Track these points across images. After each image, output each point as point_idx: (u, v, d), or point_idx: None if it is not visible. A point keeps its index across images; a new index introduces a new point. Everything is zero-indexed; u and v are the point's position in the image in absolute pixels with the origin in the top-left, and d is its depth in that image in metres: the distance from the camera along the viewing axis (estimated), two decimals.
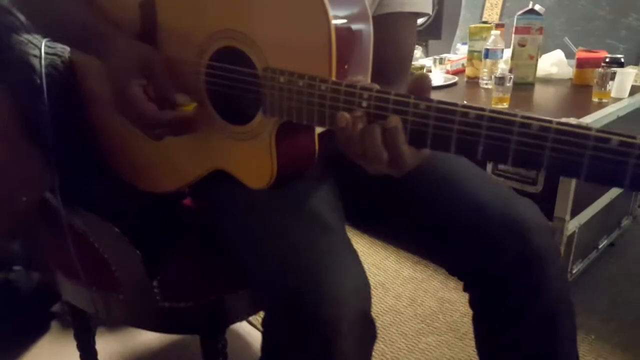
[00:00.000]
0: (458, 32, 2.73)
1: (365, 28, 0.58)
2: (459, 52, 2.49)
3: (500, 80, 1.31)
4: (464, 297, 0.75)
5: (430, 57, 1.95)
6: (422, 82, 0.47)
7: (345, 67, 0.55)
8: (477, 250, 0.67)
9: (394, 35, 0.81)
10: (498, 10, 2.61)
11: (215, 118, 0.66)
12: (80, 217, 0.74)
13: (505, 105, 1.33)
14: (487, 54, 1.59)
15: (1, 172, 0.71)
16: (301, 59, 0.55)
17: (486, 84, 1.62)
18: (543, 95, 1.60)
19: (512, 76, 1.32)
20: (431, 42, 2.92)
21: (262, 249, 0.62)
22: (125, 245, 0.71)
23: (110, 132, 0.78)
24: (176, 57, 0.65)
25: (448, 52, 2.60)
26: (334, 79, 0.53)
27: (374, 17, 0.80)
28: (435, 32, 2.83)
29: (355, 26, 0.56)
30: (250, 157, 0.63)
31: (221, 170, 0.67)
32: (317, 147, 0.64)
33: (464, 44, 2.56)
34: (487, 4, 2.65)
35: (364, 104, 0.49)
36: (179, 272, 0.75)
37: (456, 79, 1.73)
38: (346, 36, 0.54)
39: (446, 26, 2.89)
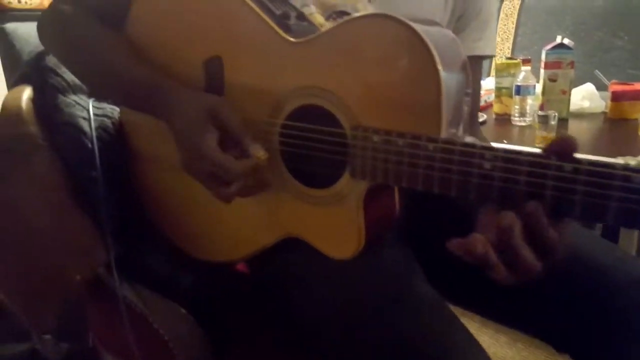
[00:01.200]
0: None
1: (465, 75, 0.54)
2: None
3: (544, 119, 1.27)
4: None
5: None
6: (566, 145, 0.40)
7: (450, 121, 0.50)
8: (597, 318, 0.59)
9: None
10: (509, 44, 2.61)
11: (288, 180, 0.60)
12: (139, 296, 0.67)
13: None
14: (519, 90, 1.56)
15: (50, 245, 0.65)
16: (400, 116, 0.50)
17: (519, 121, 1.58)
18: (583, 132, 1.55)
19: (556, 114, 1.28)
20: None
21: (358, 332, 0.55)
22: (191, 327, 0.64)
23: (165, 196, 0.73)
24: (246, 116, 0.60)
25: None
26: (442, 136, 0.48)
27: None
28: None
29: (458, 75, 0.51)
30: (333, 224, 0.57)
31: (294, 238, 0.61)
32: (398, 208, 0.58)
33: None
34: (498, 39, 2.66)
35: (487, 165, 0.43)
36: (247, 353, 0.68)
37: (485, 116, 1.69)
38: (452, 88, 0.49)
39: None
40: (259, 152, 0.56)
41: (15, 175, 0.66)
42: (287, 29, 0.58)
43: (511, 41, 2.55)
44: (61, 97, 0.73)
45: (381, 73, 0.51)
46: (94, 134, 0.71)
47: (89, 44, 0.67)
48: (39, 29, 0.72)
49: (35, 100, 0.73)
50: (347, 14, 0.69)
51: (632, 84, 1.60)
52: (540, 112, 1.29)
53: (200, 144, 0.55)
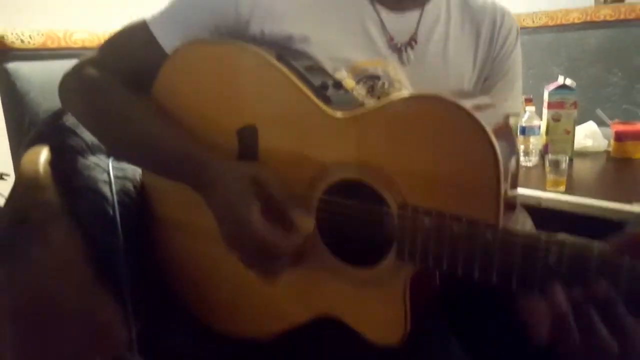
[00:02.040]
0: None
1: (515, 148, 0.52)
2: None
3: (556, 164, 1.27)
4: None
5: None
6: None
7: (507, 203, 0.48)
8: None
9: None
10: None
11: (325, 255, 0.58)
12: None
13: (562, 188, 1.28)
14: (524, 130, 1.56)
15: (69, 326, 0.61)
16: (452, 196, 0.48)
17: (525, 161, 1.58)
18: (588, 172, 1.56)
19: (566, 158, 1.28)
20: None
21: None
22: None
23: (189, 265, 0.69)
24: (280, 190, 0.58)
25: None
26: (500, 222, 0.46)
27: None
28: None
29: (511, 152, 0.50)
30: (375, 307, 0.55)
31: (329, 318, 0.59)
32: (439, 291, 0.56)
33: None
34: None
35: (552, 260, 0.42)
36: None
37: None
38: (508, 169, 0.48)
39: None
40: (306, 224, 0.54)
41: (32, 249, 0.62)
42: (327, 101, 0.57)
43: None
44: (80, 160, 0.70)
45: (433, 152, 0.49)
46: (116, 198, 0.68)
47: (118, 111, 0.65)
48: (60, 90, 0.70)
49: (53, 162, 0.70)
50: (378, 78, 0.68)
51: (634, 124, 1.62)
52: (550, 157, 1.29)
53: (246, 218, 0.52)
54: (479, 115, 0.46)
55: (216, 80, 0.62)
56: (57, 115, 0.73)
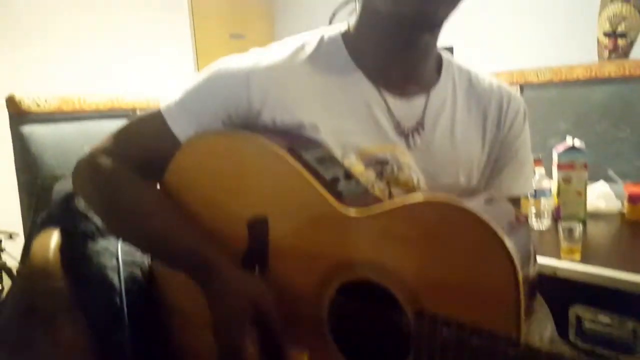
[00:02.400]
0: None
1: (533, 251, 0.51)
2: None
3: (570, 232, 1.25)
4: None
5: None
6: None
7: (527, 312, 0.46)
8: None
9: None
10: None
11: (338, 358, 0.56)
12: None
13: (577, 257, 1.25)
14: (535, 193, 1.55)
15: None
16: (471, 305, 0.47)
17: (537, 224, 1.56)
18: (603, 236, 1.53)
19: (580, 225, 1.26)
20: None
21: None
22: None
23: (198, 354, 0.67)
24: (292, 283, 0.57)
25: None
26: (522, 337, 0.44)
27: None
28: None
29: (533, 268, 0.49)
30: None
31: None
32: None
33: None
34: None
35: None
36: None
37: None
38: (527, 276, 0.46)
39: None
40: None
41: (39, 339, 0.61)
42: (339, 196, 0.56)
43: None
44: (90, 245, 0.70)
45: (447, 258, 0.48)
46: (124, 286, 0.67)
47: (128, 203, 0.65)
48: (74, 176, 0.70)
49: (63, 248, 0.69)
50: (386, 162, 0.68)
51: None
52: (564, 224, 1.27)
53: (235, 343, 0.53)
54: (490, 219, 0.46)
55: (227, 170, 0.63)
56: (69, 198, 0.73)
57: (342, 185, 0.58)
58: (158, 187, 0.69)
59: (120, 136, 0.70)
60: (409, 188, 0.69)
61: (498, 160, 0.76)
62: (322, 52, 0.69)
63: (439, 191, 0.69)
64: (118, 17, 3.41)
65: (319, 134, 0.65)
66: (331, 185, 0.57)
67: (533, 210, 1.57)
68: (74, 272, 0.67)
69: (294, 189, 0.57)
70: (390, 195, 0.69)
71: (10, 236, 1.70)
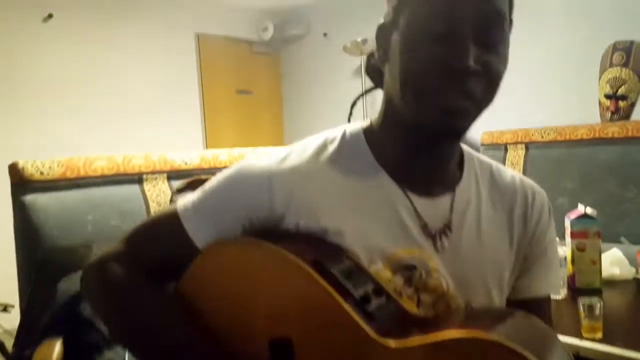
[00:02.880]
0: None
1: None
2: None
3: (590, 309, 1.20)
4: None
5: None
6: None
7: None
8: None
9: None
10: None
11: None
12: None
13: (598, 335, 1.20)
14: None
15: None
16: None
17: (556, 295, 1.51)
18: (619, 305, 1.49)
19: (601, 303, 1.21)
20: None
21: None
22: None
23: None
24: None
25: None
26: None
27: (508, 302, 0.71)
28: None
29: None
30: None
31: None
32: None
33: None
34: None
35: None
36: None
37: None
38: None
39: None
40: None
41: None
42: (370, 318, 0.52)
43: None
44: (96, 356, 0.65)
45: None
46: None
47: (141, 318, 0.62)
48: (82, 281, 0.66)
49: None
50: (414, 267, 0.64)
51: None
52: (584, 300, 1.22)
53: None
54: (524, 348, 0.43)
55: (248, 285, 0.59)
56: (75, 302, 0.69)
57: (373, 304, 0.55)
58: (173, 291, 0.65)
59: (132, 240, 0.66)
60: (438, 294, 0.65)
61: (527, 258, 0.72)
62: (344, 150, 0.67)
63: (473, 302, 0.66)
64: (128, 77, 3.46)
65: (344, 239, 0.62)
66: (361, 306, 0.53)
67: None
68: None
69: (322, 310, 0.53)
70: (419, 302, 0.65)
71: (5, 308, 1.63)
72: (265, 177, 0.63)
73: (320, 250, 0.59)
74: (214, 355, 0.57)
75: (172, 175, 1.68)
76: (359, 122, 0.71)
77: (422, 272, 0.65)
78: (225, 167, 1.84)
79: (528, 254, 0.72)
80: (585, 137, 2.44)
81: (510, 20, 0.64)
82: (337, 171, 0.65)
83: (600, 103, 2.52)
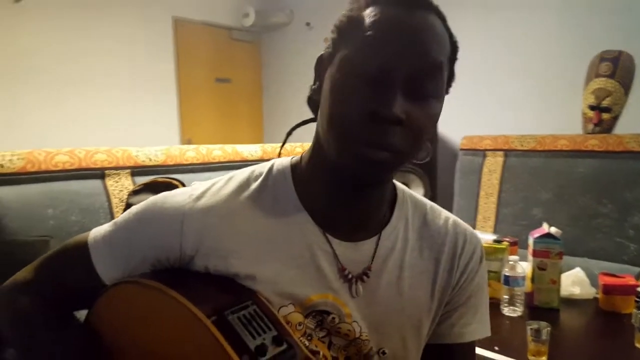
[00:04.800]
0: None
1: None
2: None
3: (537, 334, 1.21)
4: None
5: None
6: None
7: None
8: None
9: None
10: (494, 199, 2.64)
11: None
12: None
13: (543, 359, 1.21)
14: (508, 281, 1.52)
15: None
16: None
17: (509, 311, 1.52)
18: (575, 323, 1.50)
19: (549, 329, 1.22)
20: None
21: None
22: None
23: None
24: None
25: None
26: None
27: (428, 345, 0.70)
28: None
29: None
30: None
31: None
32: None
33: None
34: (482, 193, 2.69)
35: None
36: None
37: None
38: None
39: None
40: None
41: None
42: None
43: (496, 196, 2.58)
44: None
45: None
46: None
47: (41, 350, 0.61)
48: None
49: None
50: (328, 313, 0.64)
51: (623, 277, 1.57)
52: (532, 325, 1.23)
53: None
54: None
55: (148, 328, 0.58)
56: None
57: (269, 354, 0.54)
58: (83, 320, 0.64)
59: (41, 270, 0.65)
60: (350, 339, 0.65)
61: (449, 304, 0.71)
62: (268, 188, 0.65)
63: (386, 347, 0.66)
64: (101, 62, 3.36)
65: (255, 284, 0.61)
66: (254, 357, 0.52)
67: (506, 297, 1.53)
68: None
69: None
70: (331, 345, 0.65)
71: None
72: (177, 218, 0.61)
73: (225, 295, 0.58)
74: None
75: (136, 171, 1.66)
76: (288, 158, 0.69)
77: (335, 317, 0.64)
78: (191, 165, 1.82)
79: (450, 301, 0.71)
80: (565, 148, 2.43)
81: (454, 73, 0.62)
82: (257, 210, 0.63)
83: (583, 114, 2.50)
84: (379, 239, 0.67)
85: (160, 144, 1.79)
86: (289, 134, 0.75)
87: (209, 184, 0.65)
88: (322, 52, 0.64)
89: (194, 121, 3.91)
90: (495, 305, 1.58)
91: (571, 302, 1.63)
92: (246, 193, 0.64)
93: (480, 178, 2.65)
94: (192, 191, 0.64)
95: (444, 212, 0.74)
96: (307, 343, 0.62)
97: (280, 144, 0.72)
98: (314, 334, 0.63)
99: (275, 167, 0.67)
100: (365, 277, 0.65)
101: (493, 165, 2.60)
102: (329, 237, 0.64)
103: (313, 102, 0.70)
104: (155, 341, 0.58)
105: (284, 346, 0.56)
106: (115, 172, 1.64)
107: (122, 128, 3.39)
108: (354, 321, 0.65)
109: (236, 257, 0.61)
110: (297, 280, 0.62)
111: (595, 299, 1.62)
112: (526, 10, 2.88)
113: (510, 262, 1.54)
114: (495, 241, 1.69)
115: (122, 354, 0.60)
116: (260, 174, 0.67)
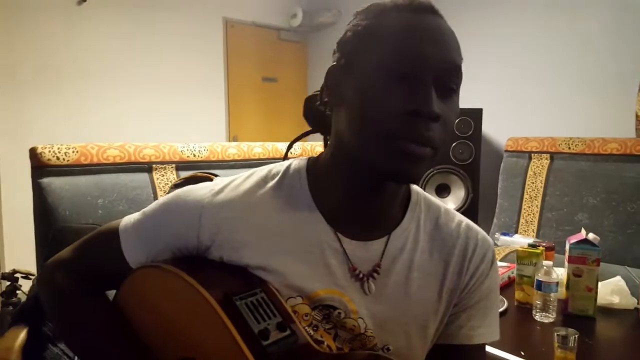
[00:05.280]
0: (495, 220, 2.68)
1: None
2: (500, 242, 2.41)
3: (564, 340, 1.19)
4: None
5: None
6: None
7: None
8: None
9: None
10: (538, 202, 2.57)
11: None
12: None
13: None
14: (541, 286, 1.49)
15: None
16: None
17: (541, 316, 1.50)
18: (612, 334, 1.45)
19: (577, 336, 1.19)
20: None
21: None
22: None
23: None
24: None
25: None
26: None
27: (436, 345, 0.72)
28: (471, 218, 2.80)
29: None
30: None
31: None
32: None
33: (505, 234, 2.50)
34: (526, 196, 2.62)
35: None
36: None
37: (506, 304, 1.60)
38: None
39: (483, 212, 2.86)
40: None
41: None
42: (261, 354, 0.56)
43: (540, 200, 2.52)
44: (50, 348, 0.73)
45: None
46: None
47: (75, 324, 0.69)
48: (37, 283, 0.74)
49: (26, 347, 0.73)
50: (334, 308, 0.67)
51: None
52: (560, 332, 1.21)
53: None
54: None
55: (166, 307, 0.64)
56: (38, 297, 0.77)
57: (271, 338, 0.58)
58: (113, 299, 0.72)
59: (78, 251, 0.73)
60: (355, 334, 0.68)
61: (457, 305, 0.72)
62: (284, 186, 0.69)
63: (391, 345, 0.69)
64: (155, 61, 3.52)
65: (265, 275, 0.65)
66: (256, 340, 0.57)
67: (538, 302, 1.51)
68: None
69: (221, 342, 0.58)
70: (336, 337, 0.68)
71: (27, 276, 1.79)
72: (197, 211, 0.66)
73: (237, 283, 0.63)
74: None
75: (180, 166, 1.77)
76: (305, 158, 0.73)
77: (340, 312, 0.67)
78: (233, 161, 1.90)
79: (458, 303, 0.72)
80: (615, 151, 2.33)
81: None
82: (271, 207, 0.67)
83: (636, 117, 2.39)
84: (388, 239, 0.69)
85: (208, 141, 1.89)
86: (290, 146, 0.79)
87: (229, 180, 0.70)
88: (333, 64, 0.67)
89: (240, 119, 4.03)
90: (527, 311, 1.56)
91: (609, 312, 1.58)
92: (262, 190, 0.69)
93: (524, 181, 2.60)
94: (213, 186, 0.69)
95: (458, 216, 0.76)
96: (312, 333, 0.66)
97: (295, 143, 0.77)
98: (320, 325, 0.67)
99: (292, 167, 0.71)
100: (375, 274, 0.68)
101: (538, 168, 2.53)
102: (340, 235, 0.67)
103: (315, 115, 0.73)
104: (170, 320, 0.64)
105: (287, 332, 0.61)
106: (161, 166, 1.74)
107: (173, 125, 3.54)
108: (360, 317, 0.67)
109: (248, 249, 0.65)
110: (305, 275, 0.66)
111: (637, 309, 1.57)
112: (580, 10, 2.77)
113: (544, 267, 1.51)
114: (531, 245, 1.66)
115: (144, 331, 0.66)
116: (278, 173, 0.70)
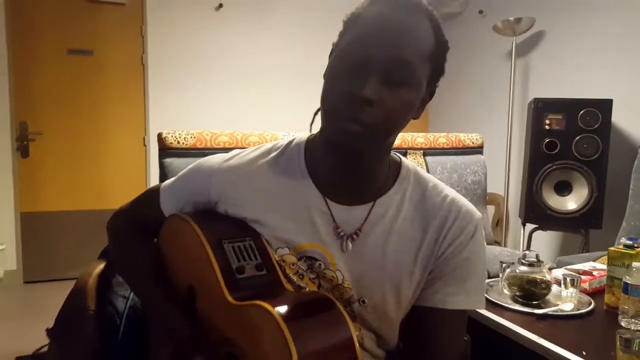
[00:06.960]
0: (624, 224, 2.40)
1: None
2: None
3: (627, 343, 1.10)
4: None
5: (561, 271, 1.71)
6: None
7: None
8: None
9: (433, 335, 0.78)
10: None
11: None
12: None
13: None
14: (627, 289, 1.36)
15: None
16: None
17: (627, 323, 1.36)
18: None
19: (639, 340, 1.09)
20: (592, 232, 2.62)
21: None
22: None
23: None
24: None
25: (612, 244, 2.29)
26: None
27: (414, 307, 0.79)
28: (595, 220, 2.54)
29: None
30: None
31: None
32: None
33: (633, 239, 2.22)
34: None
35: None
36: None
37: (592, 304, 1.48)
38: None
39: (609, 215, 2.58)
40: None
41: (71, 339, 0.89)
42: (234, 285, 0.71)
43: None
44: (117, 276, 0.96)
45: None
46: (126, 311, 0.92)
47: (126, 260, 0.91)
48: (107, 225, 0.97)
49: (102, 275, 0.97)
50: (316, 259, 0.78)
51: None
52: (623, 334, 1.11)
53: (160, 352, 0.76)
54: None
55: (182, 247, 0.81)
56: None
57: (246, 274, 0.72)
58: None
59: (133, 204, 0.94)
60: (334, 284, 0.78)
61: (432, 272, 0.78)
62: (284, 156, 0.82)
63: (366, 299, 0.78)
64: (281, 62, 3.83)
65: (259, 227, 0.78)
66: (233, 274, 0.71)
67: (625, 307, 1.37)
68: (100, 294, 0.94)
69: (208, 273, 0.73)
70: (320, 287, 0.79)
71: None
72: (209, 174, 0.82)
73: (232, 231, 0.77)
74: (158, 291, 0.83)
75: None
76: (308, 133, 0.84)
77: (321, 264, 0.78)
78: None
79: (434, 269, 0.78)
80: None
81: (442, 69, 0.73)
82: (270, 173, 0.81)
83: None
84: (373, 205, 0.78)
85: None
86: (316, 114, 0.90)
87: (241, 150, 0.86)
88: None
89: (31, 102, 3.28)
90: (616, 315, 1.43)
91: None
92: (265, 159, 0.82)
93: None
94: (227, 155, 0.85)
95: (446, 190, 0.81)
96: (295, 280, 0.78)
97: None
98: (305, 274, 0.79)
99: (294, 141, 0.84)
100: (355, 236, 0.77)
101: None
102: (328, 200, 0.78)
103: None
104: (182, 255, 0.81)
105: (263, 272, 0.74)
106: None
107: (289, 117, 3.83)
108: (338, 270, 0.77)
109: (247, 206, 0.80)
110: (293, 230, 0.78)
111: None
112: None
113: (634, 269, 1.37)
114: (627, 246, 1.51)
115: (169, 264, 0.85)
116: (281, 146, 0.84)
